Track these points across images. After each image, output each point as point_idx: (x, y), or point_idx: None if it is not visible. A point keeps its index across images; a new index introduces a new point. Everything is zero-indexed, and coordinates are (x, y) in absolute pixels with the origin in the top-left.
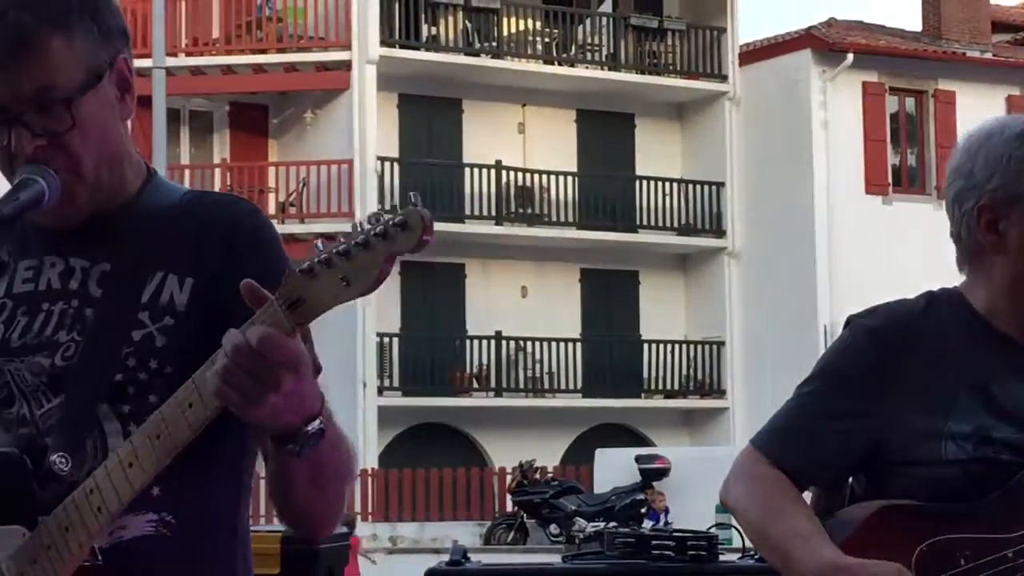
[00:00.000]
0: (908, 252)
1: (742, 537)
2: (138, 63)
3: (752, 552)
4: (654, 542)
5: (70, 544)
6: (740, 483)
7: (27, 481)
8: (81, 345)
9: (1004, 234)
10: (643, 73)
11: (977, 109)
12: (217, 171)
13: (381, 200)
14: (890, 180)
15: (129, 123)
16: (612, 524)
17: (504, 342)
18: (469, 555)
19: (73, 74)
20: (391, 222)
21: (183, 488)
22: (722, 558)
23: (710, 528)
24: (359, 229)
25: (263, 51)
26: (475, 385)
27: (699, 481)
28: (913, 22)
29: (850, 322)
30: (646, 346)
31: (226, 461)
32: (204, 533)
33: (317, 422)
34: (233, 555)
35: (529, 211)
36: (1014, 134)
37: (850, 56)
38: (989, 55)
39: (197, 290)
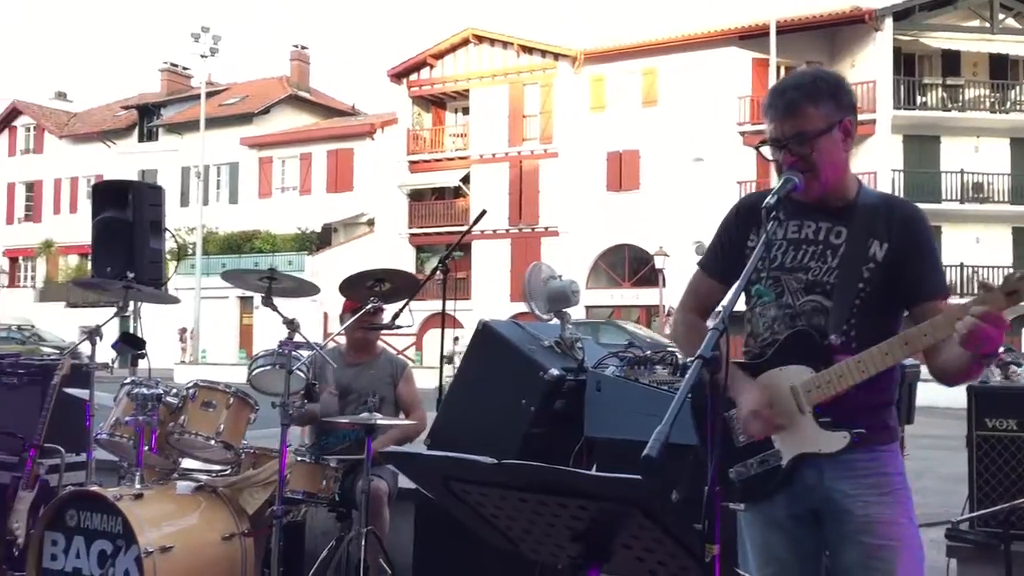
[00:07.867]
0: None
1: None
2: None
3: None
4: None
5: (839, 385)
6: None
7: (816, 344)
8: (836, 272)
9: None
10: None
11: None
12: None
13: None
14: None
15: (847, 155)
16: None
17: (967, 268)
18: None
19: (815, 125)
20: None
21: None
22: None
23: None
24: None
25: None
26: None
27: None
28: None
29: None
30: None
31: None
32: (889, 378)
33: (995, 355)
34: (891, 382)
35: (980, 195)
36: None
37: None
38: None
39: (887, 251)
